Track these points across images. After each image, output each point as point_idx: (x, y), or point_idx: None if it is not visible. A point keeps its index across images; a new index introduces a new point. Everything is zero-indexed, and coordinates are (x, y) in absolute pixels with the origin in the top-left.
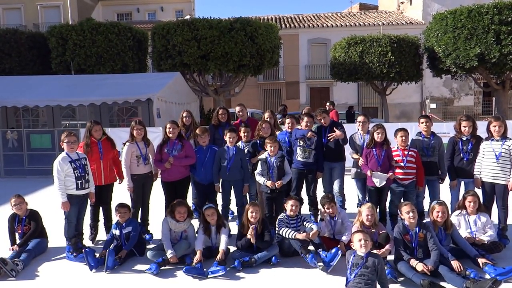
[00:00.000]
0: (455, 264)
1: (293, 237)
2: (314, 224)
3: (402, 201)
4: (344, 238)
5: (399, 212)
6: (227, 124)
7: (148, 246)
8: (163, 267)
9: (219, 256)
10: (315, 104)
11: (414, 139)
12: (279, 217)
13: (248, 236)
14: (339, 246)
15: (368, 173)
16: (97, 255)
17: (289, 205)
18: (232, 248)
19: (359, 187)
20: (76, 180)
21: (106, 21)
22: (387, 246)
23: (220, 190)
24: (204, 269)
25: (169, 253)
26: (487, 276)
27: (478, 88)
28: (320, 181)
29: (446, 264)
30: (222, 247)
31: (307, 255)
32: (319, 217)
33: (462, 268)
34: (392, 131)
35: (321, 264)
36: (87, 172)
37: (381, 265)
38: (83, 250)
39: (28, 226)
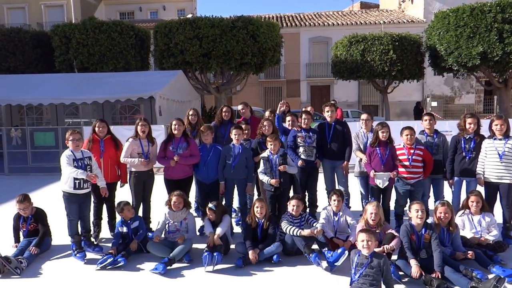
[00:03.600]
0: (463, 255)
1: (297, 234)
2: (318, 223)
3: (408, 200)
4: (351, 238)
5: (408, 211)
6: (230, 122)
7: None
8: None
9: (214, 238)
10: (315, 102)
11: (417, 137)
12: (283, 215)
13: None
14: (345, 245)
15: (371, 174)
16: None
17: (291, 205)
18: (233, 245)
19: (362, 185)
20: (74, 180)
21: (109, 20)
22: (392, 243)
23: (224, 189)
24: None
25: (156, 235)
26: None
27: (479, 86)
28: (322, 179)
29: (450, 265)
30: (217, 232)
31: (310, 254)
32: (321, 215)
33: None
34: (393, 129)
35: (325, 263)
36: (87, 172)
37: (386, 265)
38: (94, 249)
39: (33, 225)
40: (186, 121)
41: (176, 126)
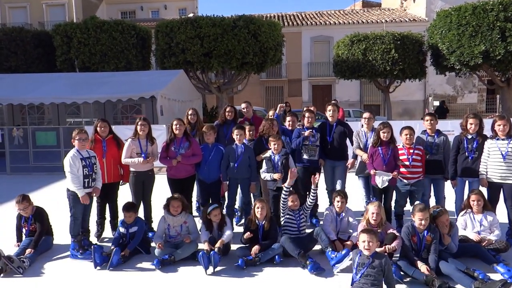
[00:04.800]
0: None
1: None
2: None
3: (408, 200)
4: (353, 238)
5: (411, 213)
6: (233, 122)
7: (152, 244)
8: (168, 265)
9: (217, 244)
10: (317, 102)
11: (418, 137)
12: (282, 207)
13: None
14: (347, 245)
15: (372, 172)
16: (104, 253)
17: (290, 200)
18: (234, 246)
19: (364, 185)
20: (83, 179)
21: (110, 19)
22: (393, 244)
23: (227, 189)
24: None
25: (158, 242)
26: (498, 275)
27: (482, 86)
28: (322, 179)
29: (453, 263)
30: (223, 237)
31: (307, 263)
32: (324, 215)
33: None
34: (395, 129)
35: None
36: (95, 171)
37: (388, 265)
38: (91, 247)
39: (34, 225)
40: (186, 120)
41: (177, 126)
